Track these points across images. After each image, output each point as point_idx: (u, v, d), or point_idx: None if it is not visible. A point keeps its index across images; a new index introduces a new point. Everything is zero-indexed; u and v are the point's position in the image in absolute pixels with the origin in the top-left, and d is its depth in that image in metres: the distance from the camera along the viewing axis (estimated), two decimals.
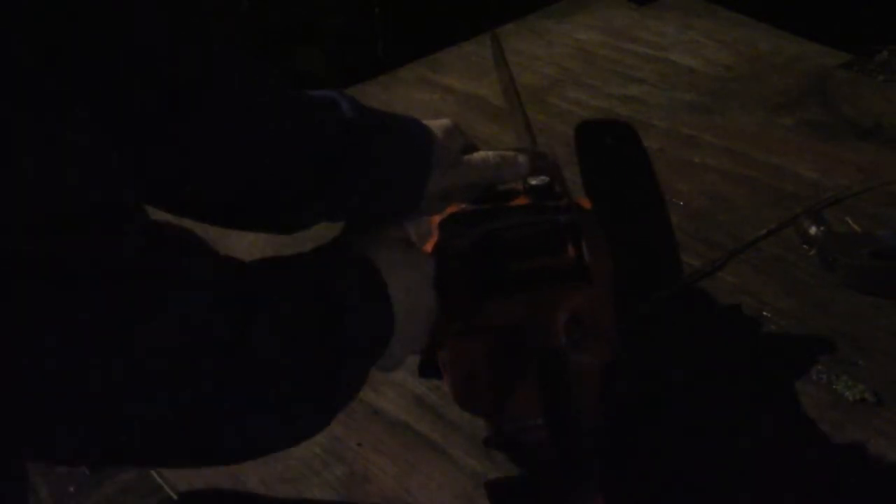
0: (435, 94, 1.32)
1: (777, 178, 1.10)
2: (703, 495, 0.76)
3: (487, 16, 1.52)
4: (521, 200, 0.77)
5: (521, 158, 0.76)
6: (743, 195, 1.08)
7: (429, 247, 0.76)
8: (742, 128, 1.20)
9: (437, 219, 0.77)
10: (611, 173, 1.13)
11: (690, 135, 1.19)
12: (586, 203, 0.80)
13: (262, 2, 2.00)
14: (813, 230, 0.99)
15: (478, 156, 0.75)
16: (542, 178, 0.77)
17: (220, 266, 0.51)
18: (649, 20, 1.46)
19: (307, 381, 0.53)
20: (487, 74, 1.35)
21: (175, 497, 0.80)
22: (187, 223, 0.61)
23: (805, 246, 0.99)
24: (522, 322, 0.71)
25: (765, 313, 0.92)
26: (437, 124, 0.73)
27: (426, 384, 0.86)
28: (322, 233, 0.69)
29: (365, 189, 0.66)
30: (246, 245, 0.92)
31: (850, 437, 0.80)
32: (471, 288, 0.72)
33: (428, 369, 0.84)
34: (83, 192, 0.42)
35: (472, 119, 1.25)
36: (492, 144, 1.17)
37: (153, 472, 0.82)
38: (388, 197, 0.69)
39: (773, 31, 1.40)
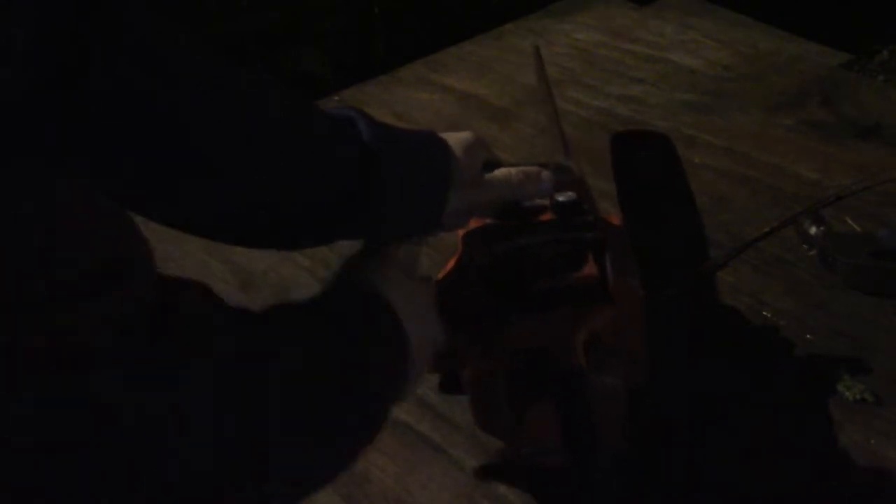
0: (435, 94, 1.32)
1: (777, 178, 1.10)
2: (702, 496, 0.76)
3: (487, 16, 1.53)
4: (547, 216, 0.75)
5: (545, 175, 0.74)
6: (743, 195, 1.08)
7: (452, 262, 0.76)
8: (742, 128, 1.20)
9: (461, 232, 0.75)
10: (642, 183, 1.12)
11: (690, 135, 1.19)
12: (615, 219, 0.78)
13: (262, 2, 2.00)
14: (813, 230, 0.99)
15: (500, 173, 0.72)
16: (569, 194, 0.74)
17: (237, 330, 0.49)
18: (649, 20, 1.46)
19: (332, 433, 0.53)
20: (487, 74, 1.36)
21: None
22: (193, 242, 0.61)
23: (805, 246, 0.99)
24: (542, 343, 0.69)
25: (765, 313, 0.92)
26: (457, 139, 0.70)
27: (427, 384, 0.86)
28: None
29: (381, 214, 0.64)
30: None
31: (850, 437, 0.79)
32: (492, 308, 0.71)
33: (449, 386, 0.84)
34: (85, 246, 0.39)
35: (471, 119, 1.25)
36: (492, 144, 1.17)
37: None
38: (406, 220, 0.67)
39: (773, 31, 1.40)
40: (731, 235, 1.02)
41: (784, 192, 1.08)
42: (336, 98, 1.31)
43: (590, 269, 0.72)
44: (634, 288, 0.73)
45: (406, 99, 1.31)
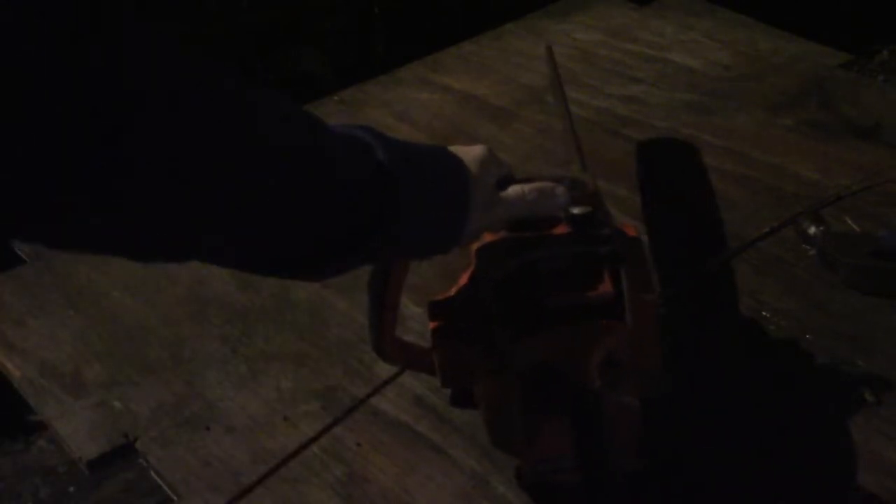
0: (435, 94, 1.32)
1: (777, 178, 1.10)
2: (702, 496, 0.76)
3: (487, 16, 1.53)
4: (562, 229, 0.73)
5: (560, 191, 0.72)
6: (743, 195, 1.08)
7: (465, 276, 0.75)
8: (742, 128, 1.20)
9: (474, 246, 0.74)
10: (664, 188, 1.12)
11: (690, 135, 1.19)
12: (631, 230, 0.77)
13: (262, 2, 2.00)
14: (813, 230, 0.99)
15: (514, 191, 0.70)
16: (585, 207, 0.72)
17: None
18: (649, 20, 1.46)
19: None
20: (487, 74, 1.35)
21: (175, 497, 0.80)
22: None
23: (805, 246, 0.99)
24: (555, 359, 0.68)
25: (765, 313, 0.92)
26: (472, 156, 0.68)
27: (426, 384, 0.86)
28: None
29: (397, 238, 0.62)
30: None
31: (850, 437, 0.79)
32: (505, 323, 0.70)
33: (460, 400, 0.83)
34: None
35: (471, 119, 1.25)
36: (492, 144, 1.17)
37: (153, 473, 0.82)
38: (423, 244, 0.66)
39: (773, 31, 1.40)
40: (731, 235, 1.02)
41: (784, 192, 1.08)
42: (336, 98, 1.31)
43: (605, 284, 0.71)
44: (650, 303, 0.71)
45: (406, 99, 1.31)
